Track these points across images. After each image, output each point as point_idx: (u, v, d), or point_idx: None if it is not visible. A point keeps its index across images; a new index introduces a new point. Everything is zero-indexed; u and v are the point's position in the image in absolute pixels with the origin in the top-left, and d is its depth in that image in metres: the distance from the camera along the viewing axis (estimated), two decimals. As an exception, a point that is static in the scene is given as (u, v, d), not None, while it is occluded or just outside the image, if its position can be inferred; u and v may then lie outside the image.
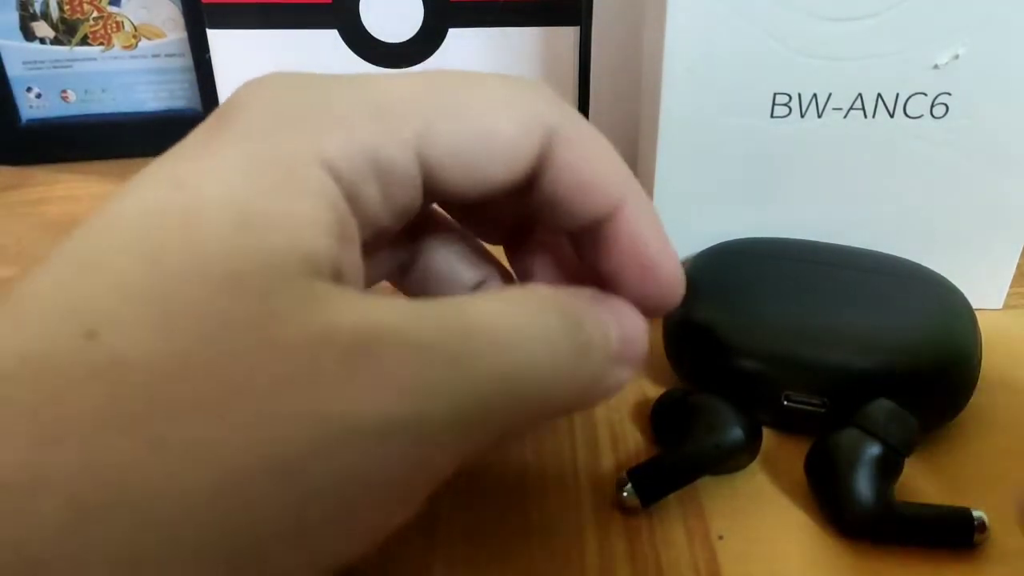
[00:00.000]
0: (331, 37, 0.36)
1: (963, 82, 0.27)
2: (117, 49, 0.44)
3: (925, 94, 0.27)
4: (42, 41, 0.43)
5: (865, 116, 0.28)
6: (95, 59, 0.44)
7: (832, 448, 0.22)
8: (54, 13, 0.42)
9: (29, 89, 0.44)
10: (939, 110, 0.28)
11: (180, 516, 0.13)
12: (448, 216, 0.23)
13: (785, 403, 0.25)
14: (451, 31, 0.36)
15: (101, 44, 0.43)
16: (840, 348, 0.24)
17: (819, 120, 0.28)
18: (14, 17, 0.42)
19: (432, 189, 0.18)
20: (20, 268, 0.36)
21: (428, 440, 0.14)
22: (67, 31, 0.43)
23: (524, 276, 0.23)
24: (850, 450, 0.22)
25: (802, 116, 0.28)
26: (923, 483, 0.24)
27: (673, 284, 0.20)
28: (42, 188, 0.42)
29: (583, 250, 0.21)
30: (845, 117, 0.28)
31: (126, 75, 0.44)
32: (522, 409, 0.16)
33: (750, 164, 0.29)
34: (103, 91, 0.44)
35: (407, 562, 0.22)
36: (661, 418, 0.25)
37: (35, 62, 0.43)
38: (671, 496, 0.23)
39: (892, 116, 0.28)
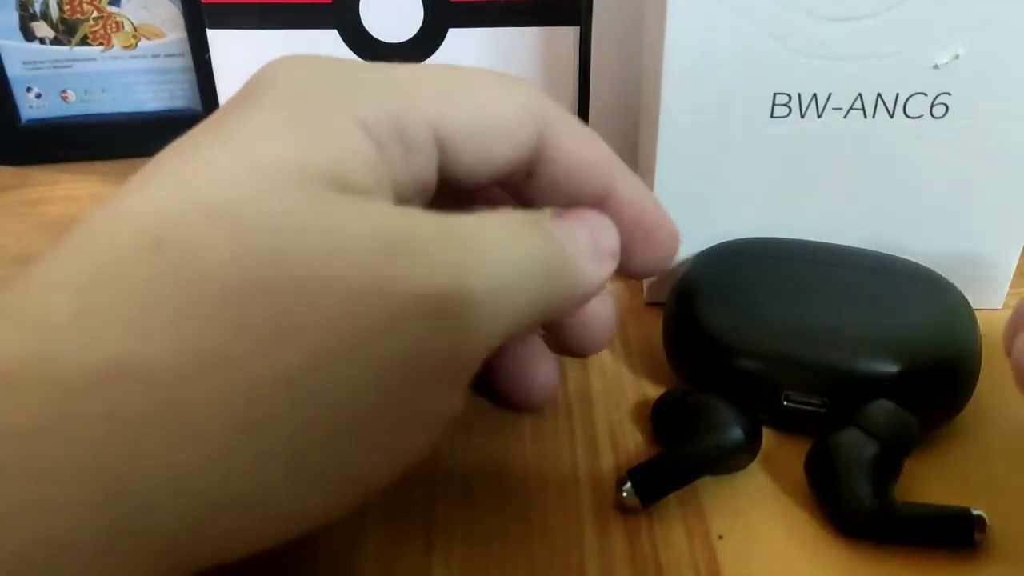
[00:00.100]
0: (331, 37, 0.36)
1: (963, 82, 0.27)
2: (117, 49, 0.44)
3: (925, 94, 0.27)
4: (42, 41, 0.43)
5: (865, 116, 0.28)
6: (95, 59, 0.44)
7: (832, 448, 0.22)
8: (54, 13, 0.42)
9: (29, 89, 0.44)
10: (939, 110, 0.28)
11: (274, 388, 0.14)
12: None
13: (785, 403, 0.25)
14: (451, 31, 0.36)
15: (101, 44, 0.43)
16: (840, 348, 0.24)
17: (819, 120, 0.28)
18: (14, 17, 0.42)
19: (445, 167, 0.19)
20: (20, 269, 0.36)
21: (458, 318, 0.16)
22: (67, 31, 0.43)
23: None
24: (850, 450, 0.22)
25: (802, 116, 0.28)
26: (923, 483, 0.24)
27: (674, 238, 0.23)
28: (42, 188, 0.42)
29: None
30: (845, 117, 0.28)
31: (126, 75, 0.44)
32: (529, 294, 0.18)
33: (750, 164, 0.29)
34: (103, 91, 0.44)
35: (407, 562, 0.22)
36: (661, 418, 0.25)
37: (35, 62, 0.43)
38: (671, 496, 0.23)
39: (892, 116, 0.28)
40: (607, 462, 0.25)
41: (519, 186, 0.21)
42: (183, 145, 0.17)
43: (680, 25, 0.27)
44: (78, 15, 0.43)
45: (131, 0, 0.43)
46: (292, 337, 0.15)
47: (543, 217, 0.20)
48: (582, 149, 0.21)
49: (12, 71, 0.43)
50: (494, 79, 0.20)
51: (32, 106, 0.44)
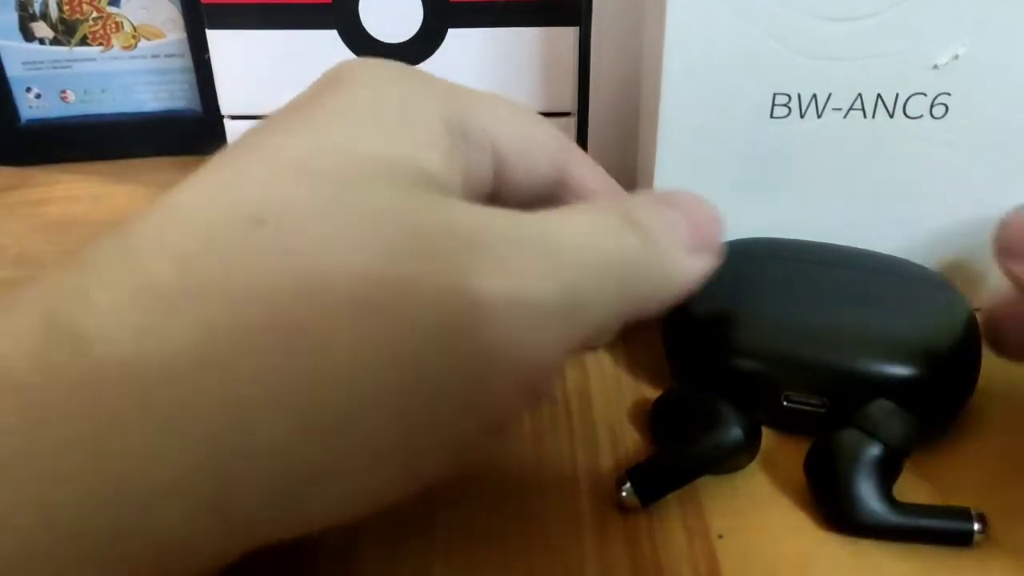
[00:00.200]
0: (331, 37, 0.36)
1: (963, 82, 0.27)
2: (117, 49, 0.44)
3: (925, 94, 0.27)
4: (41, 41, 0.43)
5: (865, 116, 0.28)
6: (95, 59, 0.44)
7: (832, 448, 0.22)
8: (53, 13, 0.42)
9: (29, 89, 0.44)
10: (939, 110, 0.28)
11: (365, 371, 0.15)
12: None
13: (784, 403, 0.25)
14: (451, 31, 0.36)
15: (101, 44, 0.43)
16: (840, 348, 0.24)
17: (819, 120, 0.28)
18: (13, 17, 0.42)
19: (496, 178, 0.20)
20: (20, 269, 0.36)
21: (540, 318, 0.16)
22: (66, 31, 0.43)
23: None
24: (850, 450, 0.22)
25: (802, 116, 0.28)
26: (923, 483, 0.24)
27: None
28: (42, 188, 0.42)
29: None
30: (845, 117, 0.28)
31: (126, 75, 0.44)
32: (609, 295, 0.18)
33: (750, 164, 0.29)
34: (103, 91, 0.44)
35: (407, 562, 0.22)
36: (661, 418, 0.25)
37: (34, 62, 0.43)
38: (671, 495, 0.23)
39: (892, 116, 0.28)
40: (606, 462, 0.25)
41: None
42: (270, 130, 0.18)
43: (680, 25, 0.27)
44: (78, 15, 0.43)
45: (131, 0, 0.43)
46: (383, 323, 0.15)
47: (637, 206, 0.20)
48: (596, 178, 0.23)
49: (12, 71, 0.43)
50: (522, 108, 0.22)
51: (32, 106, 0.44)
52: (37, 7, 0.42)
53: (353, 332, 0.15)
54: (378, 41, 0.37)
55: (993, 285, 0.31)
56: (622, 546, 0.22)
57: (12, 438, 0.13)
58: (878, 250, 0.29)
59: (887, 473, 0.22)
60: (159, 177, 0.43)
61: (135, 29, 0.43)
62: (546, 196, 0.22)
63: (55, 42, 0.43)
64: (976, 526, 0.21)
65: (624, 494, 0.22)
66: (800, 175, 0.29)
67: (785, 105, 0.28)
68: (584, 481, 0.24)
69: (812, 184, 0.29)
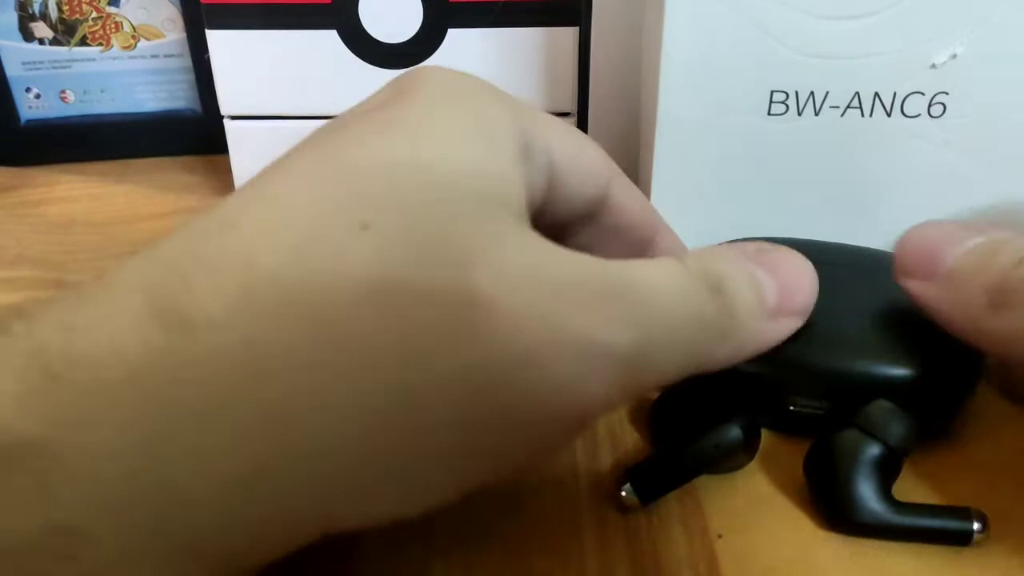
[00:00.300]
0: (330, 37, 0.36)
1: (961, 81, 0.27)
2: (116, 49, 0.44)
3: (922, 93, 0.27)
4: (41, 42, 0.43)
5: (862, 115, 0.28)
6: (94, 59, 0.44)
7: (831, 448, 0.22)
8: (53, 14, 0.42)
9: (28, 90, 0.44)
10: (937, 109, 0.28)
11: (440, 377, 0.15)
12: None
13: (791, 408, 0.24)
14: (451, 31, 0.36)
15: (100, 45, 0.43)
16: (840, 349, 0.24)
17: (816, 118, 0.28)
18: (13, 18, 0.42)
19: (550, 193, 0.20)
20: (20, 269, 0.36)
21: (607, 365, 0.16)
22: (66, 32, 0.43)
23: None
24: (850, 450, 0.22)
25: (799, 114, 0.28)
26: (923, 483, 0.24)
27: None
28: (42, 189, 0.42)
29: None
30: (842, 115, 0.28)
31: (125, 75, 0.44)
32: (677, 353, 0.18)
33: (747, 162, 0.29)
34: (102, 91, 0.44)
35: (406, 562, 0.22)
36: (660, 417, 0.25)
37: (34, 62, 0.43)
38: (670, 495, 0.23)
39: (889, 115, 0.28)
40: (606, 461, 0.25)
41: (578, 234, 0.23)
42: (343, 129, 0.17)
43: (678, 22, 0.27)
44: (77, 15, 0.43)
45: (130, 0, 0.43)
46: (462, 348, 0.15)
47: (724, 266, 0.20)
48: (636, 200, 0.23)
49: (11, 71, 0.43)
50: (572, 127, 0.22)
51: (31, 106, 0.44)
52: (37, 7, 0.42)
53: (441, 353, 0.15)
54: (378, 41, 0.37)
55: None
56: (622, 545, 0.22)
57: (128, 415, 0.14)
58: (876, 248, 0.29)
59: (887, 473, 0.22)
60: (159, 177, 0.43)
61: (135, 29, 0.43)
62: (587, 215, 0.22)
63: (55, 42, 0.43)
64: (976, 526, 0.21)
65: (624, 493, 0.22)
66: (798, 173, 0.29)
67: (783, 103, 0.28)
68: (584, 480, 0.24)
69: (810, 182, 0.29)
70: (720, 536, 0.22)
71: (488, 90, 0.19)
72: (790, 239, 0.29)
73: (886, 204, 0.29)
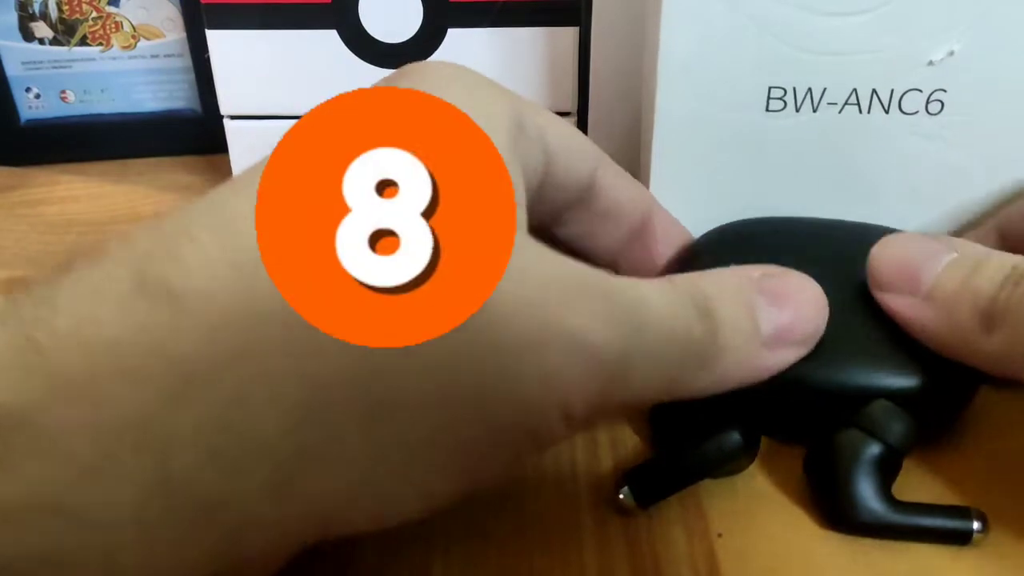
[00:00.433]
0: (330, 37, 0.36)
1: (958, 79, 0.27)
2: (116, 49, 0.44)
3: (920, 90, 0.27)
4: (41, 41, 0.43)
5: (860, 111, 0.28)
6: (94, 59, 0.44)
7: (832, 448, 0.22)
8: (53, 13, 0.42)
9: (28, 89, 0.44)
10: (934, 106, 0.28)
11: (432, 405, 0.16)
12: None
13: (786, 407, 0.24)
14: (451, 31, 0.36)
15: (100, 44, 0.43)
16: (841, 350, 0.24)
17: (814, 114, 0.28)
18: (13, 18, 0.42)
19: (546, 177, 0.21)
20: (20, 269, 0.36)
21: (591, 362, 0.17)
22: (66, 31, 0.43)
23: None
24: (850, 450, 0.22)
25: (797, 110, 0.28)
26: (923, 483, 0.24)
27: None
28: (42, 188, 0.42)
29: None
30: (840, 112, 0.28)
31: (125, 75, 0.44)
32: (659, 370, 0.18)
33: (745, 158, 0.29)
34: (102, 91, 0.44)
35: (406, 562, 0.22)
36: (660, 420, 0.25)
37: (34, 62, 0.43)
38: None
39: (887, 112, 0.28)
40: (606, 462, 0.25)
41: (571, 221, 0.23)
42: None
43: (676, 19, 0.27)
44: (77, 15, 0.43)
45: (130, 0, 0.43)
46: (451, 332, 0.15)
47: (718, 291, 0.20)
48: (626, 183, 0.24)
49: (11, 71, 0.43)
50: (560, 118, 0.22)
51: (31, 106, 0.44)
52: (37, 7, 0.42)
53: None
54: (378, 41, 0.37)
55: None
56: (622, 546, 0.22)
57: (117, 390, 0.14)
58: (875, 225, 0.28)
59: (887, 472, 0.22)
60: (159, 177, 0.43)
61: (135, 29, 0.43)
62: (578, 201, 0.23)
63: (55, 42, 0.43)
64: (976, 525, 0.21)
65: (622, 496, 0.22)
66: (795, 169, 0.29)
67: (781, 99, 0.28)
68: (584, 481, 0.24)
69: (807, 178, 0.29)
70: (720, 535, 0.22)
71: (485, 82, 0.19)
72: (791, 227, 0.29)
73: (883, 201, 0.29)
